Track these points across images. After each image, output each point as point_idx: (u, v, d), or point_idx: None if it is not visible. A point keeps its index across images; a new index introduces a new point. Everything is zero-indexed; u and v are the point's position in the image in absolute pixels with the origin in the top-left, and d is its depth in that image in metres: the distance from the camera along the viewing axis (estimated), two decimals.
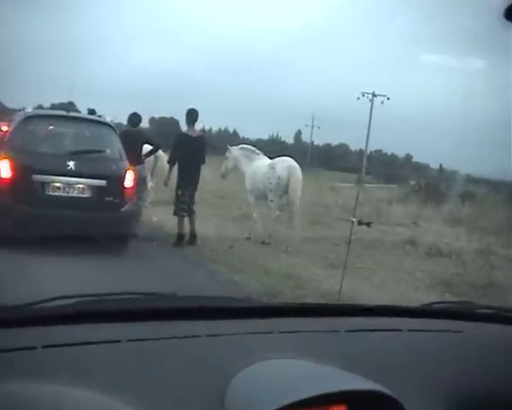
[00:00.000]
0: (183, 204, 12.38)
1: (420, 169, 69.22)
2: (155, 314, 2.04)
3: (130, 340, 1.86)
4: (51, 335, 1.84)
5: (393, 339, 2.26)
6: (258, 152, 14.61)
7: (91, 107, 15.46)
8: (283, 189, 13.39)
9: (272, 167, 13.45)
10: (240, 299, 2.74)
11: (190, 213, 12.53)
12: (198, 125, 13.36)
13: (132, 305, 2.14)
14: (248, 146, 15.04)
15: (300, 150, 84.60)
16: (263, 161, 14.11)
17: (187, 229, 12.55)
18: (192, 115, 12.76)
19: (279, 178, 13.23)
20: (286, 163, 13.58)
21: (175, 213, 12.57)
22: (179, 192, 12.44)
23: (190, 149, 12.38)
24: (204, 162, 13.00)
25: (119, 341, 1.85)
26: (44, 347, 1.74)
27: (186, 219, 12.51)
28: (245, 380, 1.68)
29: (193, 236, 12.51)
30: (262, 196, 13.93)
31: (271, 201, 13.42)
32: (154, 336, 1.91)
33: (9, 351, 1.71)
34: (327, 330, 2.21)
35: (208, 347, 1.93)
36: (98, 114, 13.41)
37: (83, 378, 1.64)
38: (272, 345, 1.98)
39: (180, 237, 12.42)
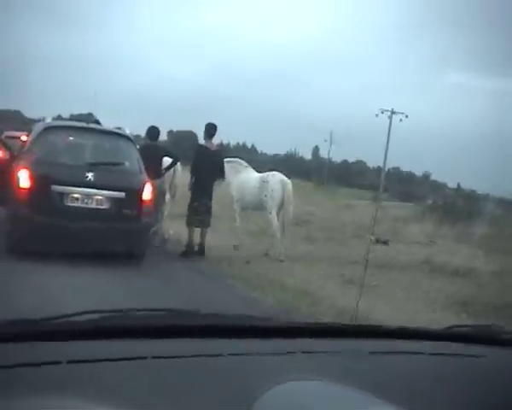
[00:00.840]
0: (199, 215, 12.46)
1: (437, 188, 68.88)
2: (179, 331, 2.05)
3: (154, 357, 1.86)
4: (76, 350, 1.85)
5: (415, 363, 2.24)
6: (246, 164, 14.95)
7: (97, 118, 15.58)
8: (279, 202, 13.73)
9: (265, 181, 13.79)
10: (263, 318, 2.73)
11: (204, 225, 12.60)
12: (216, 140, 13.45)
13: (156, 321, 2.15)
14: (236, 158, 15.19)
15: (318, 166, 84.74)
16: (251, 174, 14.52)
17: (197, 240, 12.67)
18: (211, 130, 12.89)
19: (272, 190, 13.54)
20: (278, 177, 13.96)
21: (188, 224, 12.70)
22: (195, 204, 12.54)
23: (208, 162, 12.53)
24: (224, 176, 13.23)
25: (145, 357, 1.85)
26: (69, 362, 1.75)
27: (197, 231, 12.67)
28: (269, 402, 1.66)
29: (201, 246, 12.63)
30: (252, 207, 14.45)
31: (270, 213, 13.67)
32: (178, 354, 1.91)
33: (35, 365, 1.71)
34: (350, 351, 2.19)
35: (231, 366, 1.92)
36: (118, 126, 13.44)
37: (108, 395, 1.64)
38: (295, 366, 1.97)
39: (189, 247, 12.54)
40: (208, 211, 12.71)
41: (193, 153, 13.34)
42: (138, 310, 2.21)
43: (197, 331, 2.08)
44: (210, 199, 12.81)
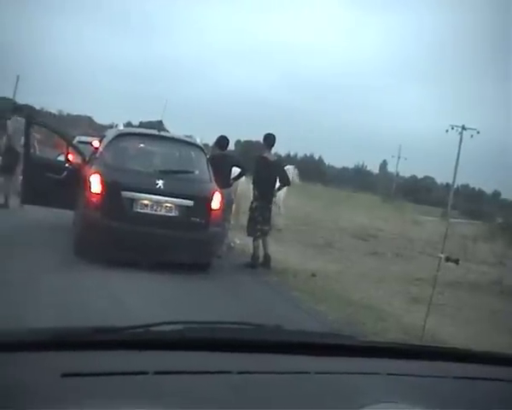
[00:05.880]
0: (259, 225, 12.52)
1: (508, 206, 67.49)
2: (263, 347, 2.03)
3: (240, 372, 1.84)
4: (161, 360, 1.85)
5: (502, 390, 2.16)
6: None
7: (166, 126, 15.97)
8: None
9: None
10: (347, 336, 2.69)
11: (264, 235, 12.63)
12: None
13: (239, 336, 2.13)
14: None
15: (385, 181, 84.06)
16: None
17: (262, 251, 12.65)
18: (270, 140, 12.88)
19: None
20: None
21: (249, 234, 12.77)
22: (255, 214, 12.61)
23: (268, 172, 12.63)
24: (289, 183, 13.61)
25: (230, 372, 1.83)
26: (156, 373, 1.75)
27: (261, 241, 12.67)
28: None
29: (267, 258, 12.60)
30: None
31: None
32: (264, 370, 1.89)
33: (122, 374, 1.72)
34: (435, 374, 2.13)
35: (317, 385, 1.89)
36: (188, 134, 13.52)
37: (195, 408, 1.63)
38: (381, 387, 1.94)
39: (254, 258, 12.54)
40: (267, 221, 12.77)
41: (253, 164, 13.47)
42: (221, 323, 2.20)
43: (282, 347, 2.06)
44: (269, 209, 12.89)
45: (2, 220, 11.37)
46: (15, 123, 16.35)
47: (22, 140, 16.19)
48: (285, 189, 15.11)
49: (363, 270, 13.46)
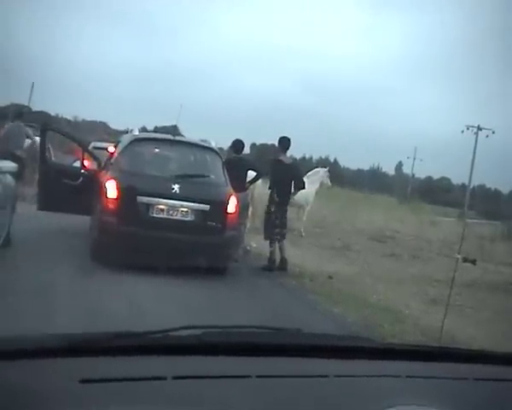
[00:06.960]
0: (276, 228, 12.52)
1: None
2: (282, 350, 2.02)
3: (259, 376, 1.83)
4: (180, 365, 1.84)
5: None
6: None
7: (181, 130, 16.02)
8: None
9: None
10: (364, 338, 2.68)
11: (281, 238, 12.62)
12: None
13: (258, 339, 2.12)
14: None
15: (401, 182, 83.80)
16: None
17: (278, 254, 12.63)
18: (285, 143, 12.90)
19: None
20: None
21: (266, 238, 12.76)
22: (272, 217, 12.63)
23: (284, 175, 12.65)
24: (304, 187, 13.52)
25: (250, 376, 1.82)
26: (174, 378, 1.74)
27: (277, 244, 12.66)
28: None
29: (284, 261, 12.57)
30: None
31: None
32: (283, 374, 1.88)
33: (140, 380, 1.72)
34: (455, 376, 2.12)
35: (337, 388, 1.89)
36: (203, 138, 13.55)
37: None
38: (399, 390, 1.92)
39: (271, 261, 12.53)
40: (284, 224, 12.79)
41: (269, 167, 13.49)
42: (240, 327, 2.20)
43: (301, 351, 2.05)
44: (286, 212, 12.91)
45: (17, 227, 11.32)
46: (15, 128, 16.37)
47: (23, 145, 16.29)
48: (314, 193, 14.95)
49: (381, 272, 13.42)
